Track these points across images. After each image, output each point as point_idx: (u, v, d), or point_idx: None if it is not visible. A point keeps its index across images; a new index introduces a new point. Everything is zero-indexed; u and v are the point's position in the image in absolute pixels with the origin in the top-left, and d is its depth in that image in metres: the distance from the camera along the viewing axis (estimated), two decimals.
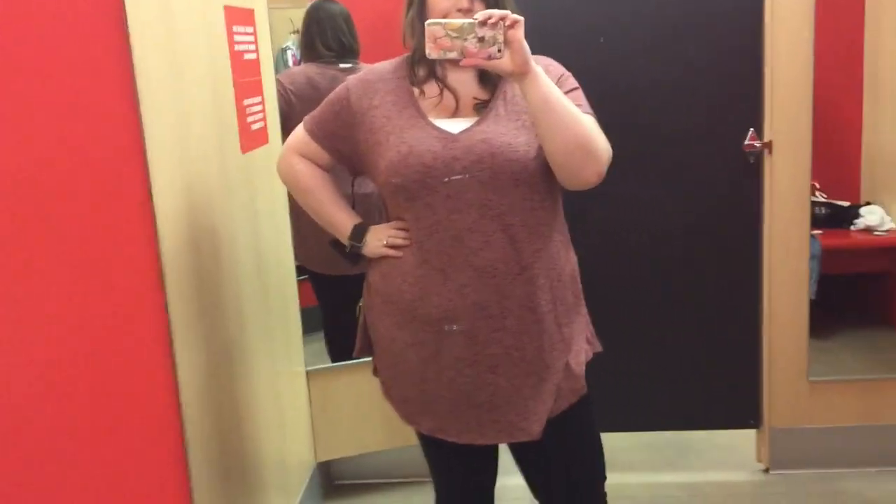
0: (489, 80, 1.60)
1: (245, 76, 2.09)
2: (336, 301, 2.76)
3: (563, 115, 1.46)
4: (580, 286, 1.71)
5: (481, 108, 1.58)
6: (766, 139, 2.59)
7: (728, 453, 2.92)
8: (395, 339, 1.65)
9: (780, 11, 2.50)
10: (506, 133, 1.54)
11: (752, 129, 2.59)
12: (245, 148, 2.09)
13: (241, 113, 2.06)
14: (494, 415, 1.61)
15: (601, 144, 1.51)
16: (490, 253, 1.54)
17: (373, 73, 1.67)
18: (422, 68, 1.62)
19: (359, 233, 1.69)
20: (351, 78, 1.68)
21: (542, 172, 1.55)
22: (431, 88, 1.61)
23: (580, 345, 1.67)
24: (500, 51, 1.41)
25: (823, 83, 2.66)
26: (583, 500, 1.75)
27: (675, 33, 2.59)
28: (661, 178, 2.67)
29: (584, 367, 1.66)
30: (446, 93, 1.60)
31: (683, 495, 2.69)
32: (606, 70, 2.58)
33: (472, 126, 1.55)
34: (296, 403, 2.53)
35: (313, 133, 1.69)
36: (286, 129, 2.29)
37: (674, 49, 2.60)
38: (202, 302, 1.76)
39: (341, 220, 1.72)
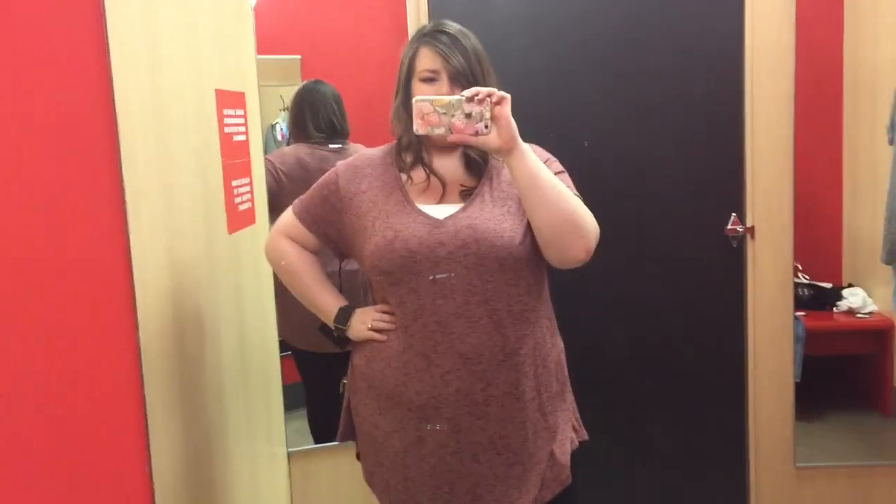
0: (475, 166, 1.62)
1: (234, 158, 2.10)
2: (319, 379, 2.73)
3: (550, 191, 1.48)
4: (566, 373, 1.70)
5: (467, 194, 1.60)
6: (748, 224, 2.62)
7: None
8: (377, 424, 1.63)
9: (760, 101, 2.56)
10: (491, 219, 1.55)
11: (734, 215, 2.62)
12: (232, 228, 2.09)
13: (229, 194, 2.06)
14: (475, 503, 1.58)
15: (589, 221, 1.53)
16: (475, 339, 1.53)
17: (362, 158, 1.69)
18: (409, 154, 1.64)
19: (344, 316, 1.68)
20: (340, 163, 1.70)
21: (527, 257, 1.56)
22: (418, 174, 1.63)
23: (565, 433, 1.66)
24: (486, 126, 1.43)
25: (804, 168, 2.71)
26: None
27: (660, 122, 2.64)
28: (646, 262, 2.69)
29: (569, 457, 1.64)
30: (433, 178, 1.61)
31: None
32: (592, 161, 2.62)
33: (457, 212, 1.56)
34: (276, 485, 2.47)
35: (302, 217, 1.70)
36: (275, 209, 2.30)
37: (658, 138, 2.65)
38: (183, 387, 1.73)
39: (326, 303, 1.72)
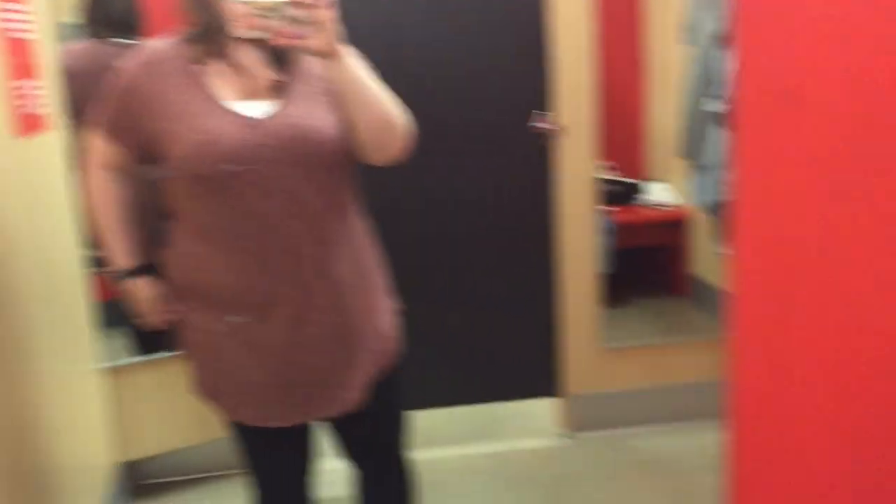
0: (282, 59, 1.56)
1: (16, 57, 1.95)
2: None
3: (371, 94, 1.50)
4: (378, 254, 1.74)
5: (277, 89, 1.54)
6: (554, 124, 2.73)
7: (531, 421, 3.06)
8: (209, 331, 1.61)
9: (563, 5, 2.63)
10: (312, 116, 1.53)
11: (541, 114, 2.72)
12: (20, 131, 1.96)
13: (12, 95, 1.92)
14: (316, 391, 1.62)
15: (403, 120, 1.56)
16: (299, 236, 1.54)
17: (152, 53, 1.56)
18: (209, 46, 1.54)
19: (137, 272, 1.66)
20: (129, 62, 1.57)
21: (345, 152, 1.56)
22: (220, 69, 1.54)
23: (385, 309, 1.73)
24: (311, 31, 1.40)
25: (609, 71, 2.83)
26: (393, 463, 1.85)
27: (469, 29, 2.70)
28: (459, 162, 2.77)
29: (394, 329, 1.73)
30: (240, 73, 1.54)
31: (492, 464, 2.80)
32: (402, 61, 2.63)
33: (278, 111, 1.52)
34: (91, 403, 2.41)
35: (110, 135, 1.59)
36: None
37: (467, 43, 2.71)
38: None
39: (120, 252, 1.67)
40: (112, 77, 1.57)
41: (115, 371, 2.55)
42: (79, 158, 1.65)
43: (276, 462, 1.78)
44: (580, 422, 2.94)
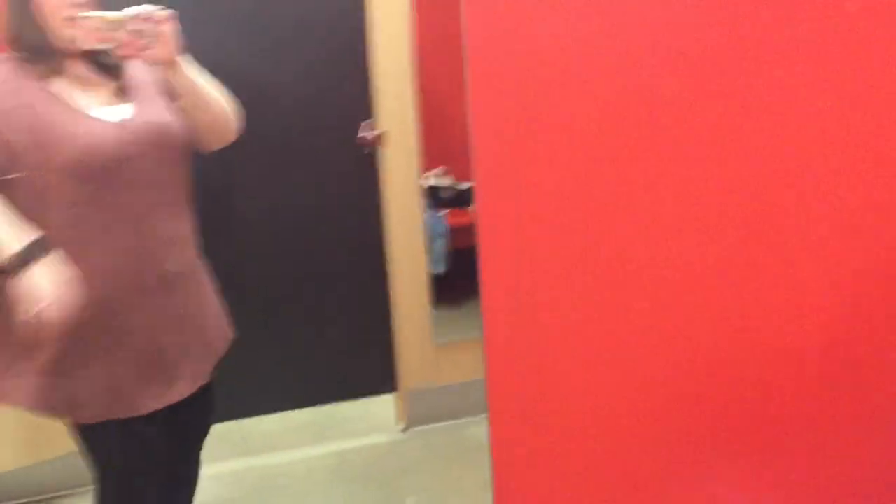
0: (112, 69, 1.71)
1: None
2: None
3: (207, 93, 1.75)
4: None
5: (121, 94, 1.70)
6: (377, 132, 2.85)
7: (372, 419, 3.18)
8: (103, 346, 1.64)
9: (380, 15, 2.76)
10: (161, 114, 1.71)
11: (363, 123, 2.84)
12: None
13: None
14: (193, 366, 1.77)
15: (234, 110, 1.83)
16: (171, 225, 1.71)
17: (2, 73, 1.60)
18: (50, 64, 1.62)
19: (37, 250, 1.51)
20: None
21: (187, 146, 1.76)
22: (64, 83, 1.63)
23: (217, 304, 1.91)
24: (152, 42, 1.58)
25: (437, 77, 2.98)
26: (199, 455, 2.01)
27: (292, 36, 2.77)
28: (290, 172, 2.85)
29: (225, 328, 1.91)
30: (84, 84, 1.66)
31: (332, 463, 2.89)
32: (230, 71, 2.67)
33: (135, 112, 1.67)
34: None
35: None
36: None
37: (290, 52, 2.78)
38: None
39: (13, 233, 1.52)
40: None
41: None
42: None
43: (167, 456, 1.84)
44: (417, 416, 3.09)
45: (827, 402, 1.39)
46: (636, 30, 1.20)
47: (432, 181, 3.49)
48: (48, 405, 1.65)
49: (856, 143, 1.29)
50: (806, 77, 1.24)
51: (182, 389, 1.74)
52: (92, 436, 1.71)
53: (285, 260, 2.92)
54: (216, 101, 1.78)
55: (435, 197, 3.49)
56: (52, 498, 2.72)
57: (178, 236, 1.74)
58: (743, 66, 1.23)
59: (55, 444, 2.63)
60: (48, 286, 1.48)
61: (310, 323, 2.98)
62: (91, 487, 1.80)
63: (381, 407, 3.17)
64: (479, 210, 1.23)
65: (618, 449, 1.35)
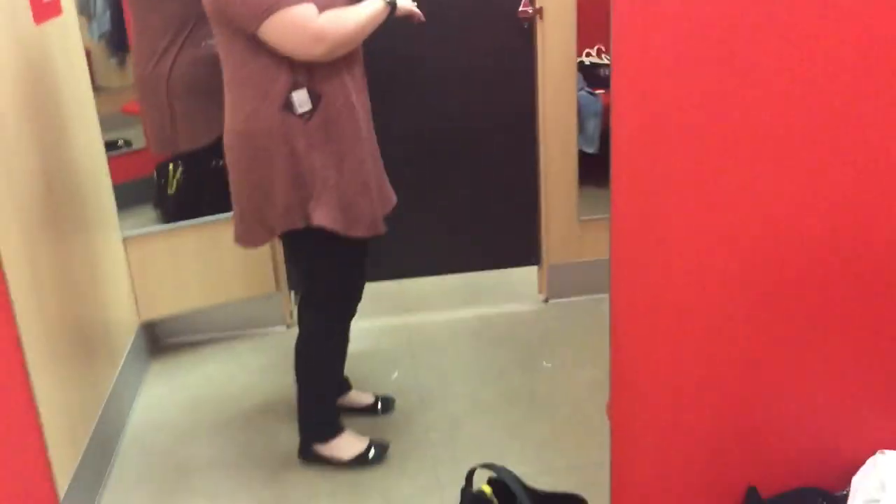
0: None
1: None
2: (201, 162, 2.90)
3: None
4: None
5: None
6: (537, 6, 2.87)
7: (515, 288, 3.34)
8: (363, 160, 2.05)
9: None
10: None
11: None
12: (38, 19, 2.14)
13: None
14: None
15: None
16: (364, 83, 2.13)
17: None
18: None
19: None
20: None
21: None
22: None
23: None
24: None
25: None
26: None
27: None
28: (446, 40, 2.92)
29: None
30: None
31: (477, 325, 3.10)
32: None
33: None
34: (114, 268, 2.68)
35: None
36: None
37: None
38: (11, 179, 1.87)
39: (369, 6, 2.00)
40: None
41: (136, 240, 2.82)
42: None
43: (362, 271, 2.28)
44: (558, 288, 3.22)
45: None
46: None
47: (589, 60, 3.48)
48: (338, 224, 2.04)
49: None
50: None
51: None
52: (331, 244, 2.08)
53: (443, 128, 3.03)
54: None
55: (592, 76, 3.47)
56: (232, 336, 3.09)
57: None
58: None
59: (231, 289, 2.97)
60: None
61: (462, 193, 3.11)
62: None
63: (526, 277, 3.32)
64: (613, 97, 1.29)
65: (727, 328, 1.43)
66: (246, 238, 2.14)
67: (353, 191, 2.04)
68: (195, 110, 2.76)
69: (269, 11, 1.84)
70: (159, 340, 3.07)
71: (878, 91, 1.30)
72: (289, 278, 3.05)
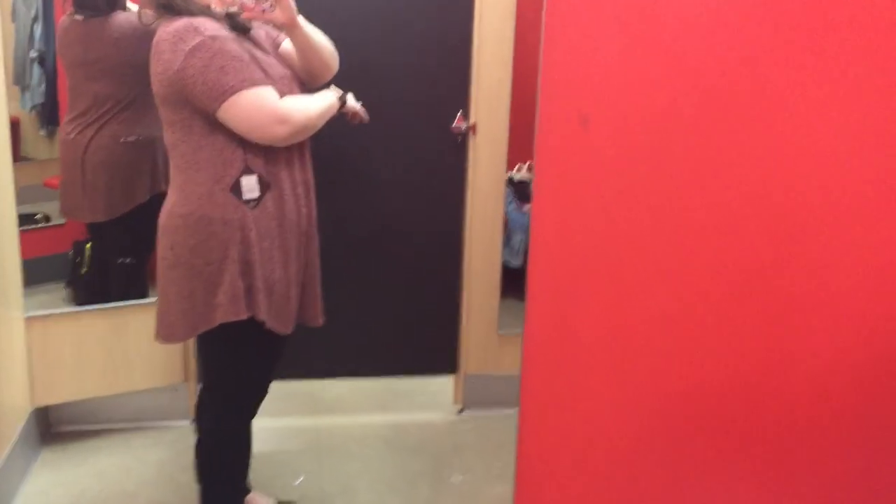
0: (239, 27, 1.99)
1: None
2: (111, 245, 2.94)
3: (320, 44, 2.11)
4: None
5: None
6: (471, 122, 2.95)
7: (430, 397, 3.30)
8: (272, 257, 1.99)
9: (487, 13, 2.85)
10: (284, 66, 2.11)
11: (460, 112, 2.94)
12: None
13: None
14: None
15: (336, 55, 2.20)
16: (308, 170, 2.13)
17: (214, 27, 1.89)
18: (233, 23, 1.96)
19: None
20: (210, 29, 1.87)
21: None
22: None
23: None
24: (271, 6, 1.91)
25: (528, 75, 3.05)
26: None
27: (403, 19, 2.90)
28: (383, 145, 2.96)
29: None
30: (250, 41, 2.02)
31: (389, 432, 3.03)
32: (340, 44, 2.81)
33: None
34: (10, 348, 2.55)
35: (262, 81, 1.91)
36: None
37: (396, 40, 2.91)
38: None
39: (326, 98, 2.09)
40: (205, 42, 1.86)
41: (40, 320, 2.70)
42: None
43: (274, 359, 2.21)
44: (474, 399, 3.19)
45: (847, 426, 1.43)
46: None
47: (519, 175, 3.58)
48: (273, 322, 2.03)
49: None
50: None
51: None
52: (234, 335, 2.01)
53: (371, 231, 3.04)
54: (325, 49, 2.12)
55: (521, 191, 3.57)
56: (130, 428, 2.95)
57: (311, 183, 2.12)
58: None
59: (136, 379, 2.86)
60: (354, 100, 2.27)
61: (384, 297, 3.10)
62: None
63: (441, 387, 3.29)
64: (533, 211, 1.32)
65: (637, 448, 1.42)
66: (166, 333, 2.02)
67: (290, 285, 2.05)
68: (105, 185, 2.82)
69: (231, 91, 1.84)
70: (53, 427, 2.91)
71: (790, 241, 1.35)
72: (198, 369, 2.96)
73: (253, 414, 2.20)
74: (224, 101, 1.84)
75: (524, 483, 1.43)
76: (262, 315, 1.97)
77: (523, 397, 1.38)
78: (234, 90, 1.84)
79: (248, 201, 1.92)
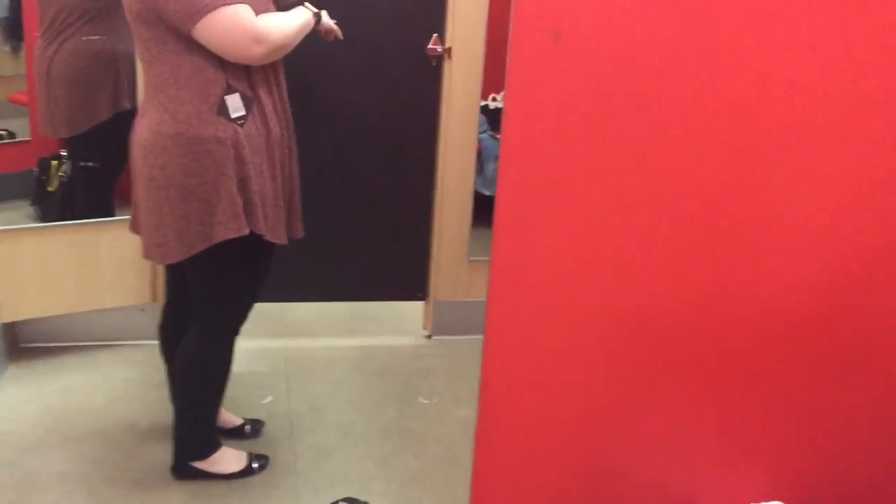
0: None
1: None
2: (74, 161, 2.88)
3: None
4: None
5: None
6: (446, 45, 2.90)
7: (400, 322, 3.33)
8: (262, 171, 1.98)
9: None
10: None
11: (435, 35, 2.89)
12: None
13: None
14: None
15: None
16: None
17: None
18: None
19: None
20: None
21: None
22: None
23: None
24: None
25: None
26: None
27: None
28: (354, 74, 2.91)
29: None
30: None
31: (357, 355, 3.06)
32: None
33: None
34: None
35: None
36: None
37: None
38: None
39: (303, 14, 2.04)
40: None
41: (5, 235, 2.66)
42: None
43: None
44: (442, 325, 3.22)
45: (793, 360, 1.48)
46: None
47: (495, 104, 3.54)
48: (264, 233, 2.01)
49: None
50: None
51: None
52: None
53: (340, 157, 3.01)
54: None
55: (496, 120, 3.54)
56: (98, 346, 2.96)
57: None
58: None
59: (104, 297, 2.85)
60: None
61: (355, 222, 3.09)
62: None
63: (411, 312, 3.32)
64: (503, 131, 1.31)
65: (596, 378, 1.46)
66: (160, 252, 1.99)
67: (279, 197, 2.06)
68: (66, 100, 2.77)
69: (206, 10, 1.79)
70: (20, 343, 2.91)
71: (752, 164, 1.36)
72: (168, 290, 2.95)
73: (236, 335, 2.20)
74: (199, 19, 1.79)
75: (488, 404, 1.45)
76: (262, 229, 1.97)
77: (489, 319, 1.40)
78: (209, 8, 1.79)
79: (236, 119, 1.90)
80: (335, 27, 2.26)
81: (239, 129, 1.90)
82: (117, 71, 2.74)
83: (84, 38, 2.68)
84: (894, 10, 1.29)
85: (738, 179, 1.36)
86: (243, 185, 1.93)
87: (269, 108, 1.98)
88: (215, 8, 1.79)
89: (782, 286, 1.43)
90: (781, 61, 1.30)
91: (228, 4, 1.81)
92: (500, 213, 1.34)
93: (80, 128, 2.82)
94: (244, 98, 1.91)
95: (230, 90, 1.89)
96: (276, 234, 2.06)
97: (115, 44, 2.70)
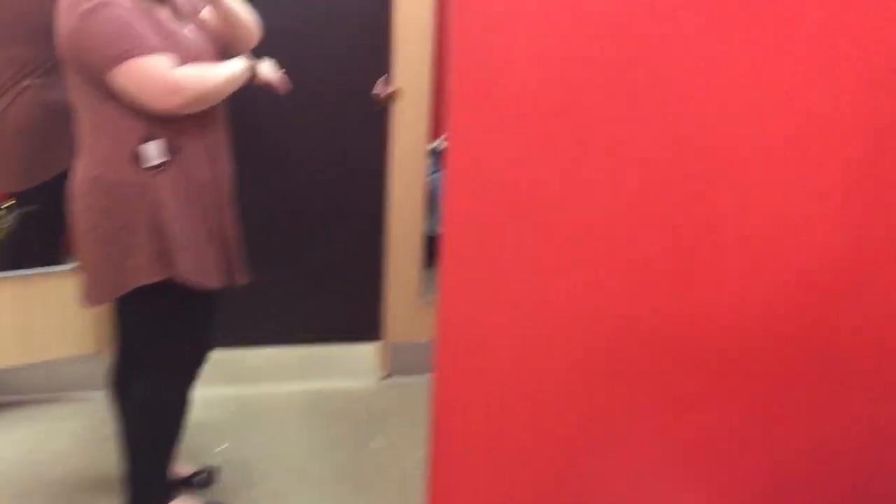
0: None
1: None
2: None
3: (241, 14, 2.13)
4: None
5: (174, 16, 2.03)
6: (391, 89, 2.94)
7: (354, 364, 3.32)
8: (185, 215, 1.95)
9: None
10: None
11: (381, 79, 2.93)
12: None
13: None
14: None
15: (257, 24, 2.20)
16: (224, 139, 2.10)
17: None
18: None
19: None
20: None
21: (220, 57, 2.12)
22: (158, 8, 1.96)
23: None
24: None
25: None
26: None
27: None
28: (302, 117, 2.95)
29: None
30: (151, 8, 1.94)
31: (312, 399, 3.03)
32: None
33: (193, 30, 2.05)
34: None
35: (156, 49, 1.84)
36: None
37: (314, 19, 2.92)
38: None
39: (233, 66, 2.02)
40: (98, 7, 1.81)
41: None
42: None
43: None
44: (397, 367, 3.22)
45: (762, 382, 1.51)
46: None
47: (442, 145, 3.59)
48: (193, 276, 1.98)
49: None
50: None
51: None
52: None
53: (290, 200, 3.03)
54: (246, 20, 2.13)
55: (439, 160, 3.59)
56: (38, 400, 2.89)
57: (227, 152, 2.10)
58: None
59: (50, 348, 2.79)
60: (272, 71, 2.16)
61: (307, 265, 3.10)
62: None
63: (365, 354, 3.31)
64: (447, 179, 1.33)
65: (550, 414, 1.47)
66: (93, 296, 1.99)
67: (209, 241, 2.03)
68: (26, 153, 2.70)
69: (121, 59, 1.80)
70: None
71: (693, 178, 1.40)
72: (117, 338, 2.90)
73: (189, 383, 2.17)
74: (113, 67, 1.81)
75: (439, 444, 1.46)
76: (182, 273, 1.94)
77: (438, 359, 1.41)
78: (123, 58, 1.81)
79: (151, 167, 1.89)
80: (277, 79, 2.20)
81: (157, 175, 1.90)
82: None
83: (39, 91, 2.64)
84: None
85: (692, 195, 1.39)
86: (160, 229, 1.92)
87: (199, 153, 1.98)
88: (131, 56, 1.81)
89: (737, 303, 1.47)
90: (730, 82, 1.35)
91: (144, 55, 1.82)
92: (445, 252, 1.36)
93: (36, 180, 2.75)
94: (169, 144, 1.91)
95: (149, 138, 1.89)
96: (204, 277, 2.01)
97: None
